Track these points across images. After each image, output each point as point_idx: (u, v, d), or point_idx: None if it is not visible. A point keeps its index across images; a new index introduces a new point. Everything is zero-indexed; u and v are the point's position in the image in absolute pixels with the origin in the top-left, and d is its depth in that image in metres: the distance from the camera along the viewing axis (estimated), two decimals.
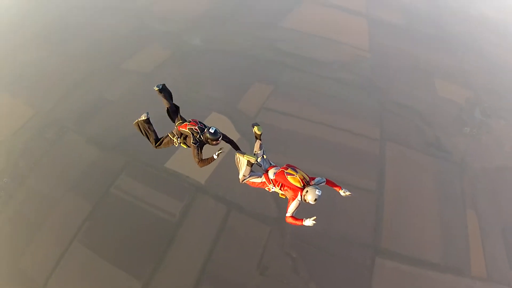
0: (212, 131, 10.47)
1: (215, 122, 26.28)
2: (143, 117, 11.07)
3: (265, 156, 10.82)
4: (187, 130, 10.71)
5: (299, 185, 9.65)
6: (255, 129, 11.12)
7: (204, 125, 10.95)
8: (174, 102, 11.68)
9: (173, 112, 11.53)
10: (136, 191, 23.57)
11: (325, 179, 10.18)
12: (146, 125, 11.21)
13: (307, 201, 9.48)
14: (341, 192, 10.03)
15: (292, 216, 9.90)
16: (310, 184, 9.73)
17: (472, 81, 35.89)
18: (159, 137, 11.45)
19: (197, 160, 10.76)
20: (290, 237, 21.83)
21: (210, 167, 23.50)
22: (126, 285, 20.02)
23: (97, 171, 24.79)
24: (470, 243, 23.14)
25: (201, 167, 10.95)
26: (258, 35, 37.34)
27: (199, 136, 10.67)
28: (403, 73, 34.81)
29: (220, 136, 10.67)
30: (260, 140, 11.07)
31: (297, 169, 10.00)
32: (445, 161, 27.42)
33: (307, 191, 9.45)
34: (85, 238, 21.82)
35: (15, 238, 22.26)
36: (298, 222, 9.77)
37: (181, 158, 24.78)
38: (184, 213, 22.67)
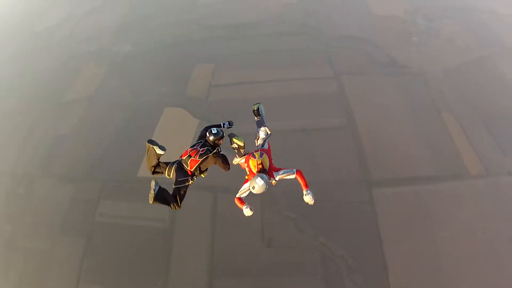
0: (215, 131, 10.07)
1: (171, 117, 26.73)
2: (153, 187, 10.04)
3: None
4: (200, 159, 9.97)
5: (254, 170, 9.53)
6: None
7: (199, 144, 10.25)
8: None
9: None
10: (119, 210, 22.83)
11: (294, 172, 9.76)
12: (162, 194, 10.16)
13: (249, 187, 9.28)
14: (304, 195, 9.72)
15: (238, 198, 10.07)
16: (267, 173, 9.48)
17: None
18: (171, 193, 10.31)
19: (228, 167, 10.44)
20: (283, 201, 21.21)
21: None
22: None
23: (78, 205, 23.97)
24: (457, 146, 22.84)
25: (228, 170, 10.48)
26: (182, 19, 36.48)
27: (209, 150, 10.04)
28: (334, 7, 34.35)
29: (222, 133, 10.21)
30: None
31: (266, 155, 9.80)
32: (405, 75, 27.12)
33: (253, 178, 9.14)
34: (89, 276, 21.00)
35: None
36: (240, 206, 9.93)
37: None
38: (173, 215, 21.87)
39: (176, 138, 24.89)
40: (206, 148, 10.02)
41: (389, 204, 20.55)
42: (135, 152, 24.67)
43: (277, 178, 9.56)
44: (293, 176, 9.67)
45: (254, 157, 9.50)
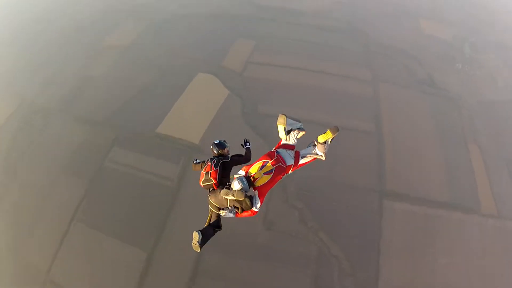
0: (217, 142, 10.17)
1: (203, 82, 26.54)
2: (196, 238, 9.26)
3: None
4: (216, 168, 9.58)
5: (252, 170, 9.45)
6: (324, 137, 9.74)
7: (207, 161, 9.93)
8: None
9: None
10: (130, 161, 22.54)
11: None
12: (204, 239, 9.51)
13: None
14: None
15: None
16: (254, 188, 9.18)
17: (457, 18, 34.46)
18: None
19: (249, 158, 10.34)
20: (293, 188, 20.69)
21: (203, 126, 23.57)
22: (131, 257, 19.08)
23: (89, 148, 23.80)
24: (476, 179, 22.10)
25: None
26: None
27: (220, 159, 9.84)
28: (384, 15, 33.56)
29: (225, 144, 10.22)
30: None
31: (270, 159, 9.50)
32: (440, 98, 26.28)
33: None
34: (84, 216, 20.90)
35: (16, 231, 21.41)
36: None
37: (172, 122, 24.06)
38: (182, 176, 21.57)
39: (203, 104, 24.98)
40: (215, 159, 9.82)
41: (396, 219, 20.03)
42: (158, 108, 24.79)
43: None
44: (252, 208, 9.19)
45: (262, 164, 9.34)
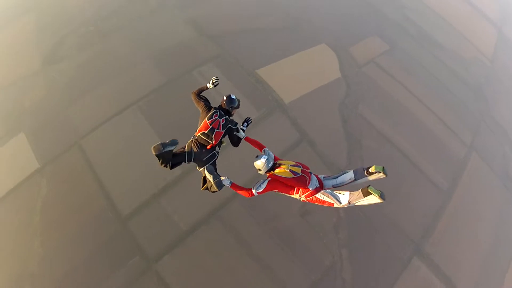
0: (233, 98, 9.51)
1: (323, 54, 25.29)
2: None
3: None
4: (223, 130, 9.11)
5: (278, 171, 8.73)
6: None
7: (216, 114, 9.24)
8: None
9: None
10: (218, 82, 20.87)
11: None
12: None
13: None
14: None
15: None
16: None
17: None
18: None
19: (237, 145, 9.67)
20: None
21: (300, 92, 22.35)
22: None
23: (186, 51, 23.04)
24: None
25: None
26: None
27: (229, 121, 9.26)
28: (511, 97, 31.00)
29: (238, 103, 9.63)
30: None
31: (304, 168, 8.93)
32: None
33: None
34: (146, 106, 20.20)
35: (77, 84, 21.16)
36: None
37: (275, 72, 23.03)
38: (256, 123, 19.93)
39: (312, 73, 23.95)
40: (225, 118, 9.10)
41: (415, 281, 18.41)
42: (270, 53, 24.23)
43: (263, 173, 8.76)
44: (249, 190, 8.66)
45: (296, 164, 8.77)
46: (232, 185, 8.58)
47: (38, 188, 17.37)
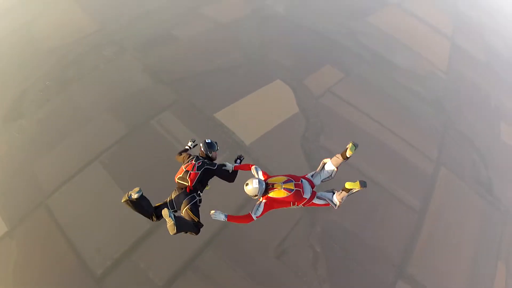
0: (209, 142, 9.76)
1: (278, 90, 25.39)
2: (168, 214, 7.88)
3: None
4: (198, 171, 9.09)
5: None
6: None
7: (192, 159, 9.52)
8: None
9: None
10: (176, 130, 21.45)
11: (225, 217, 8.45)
12: (179, 221, 8.20)
13: None
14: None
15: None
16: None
17: None
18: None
19: (232, 180, 9.77)
20: (320, 229, 19.07)
21: (259, 131, 22.19)
22: (134, 221, 16.38)
23: (144, 100, 23.04)
24: None
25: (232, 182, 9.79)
26: (341, 21, 35.02)
27: (206, 163, 9.33)
28: (472, 105, 31.71)
29: (216, 147, 9.86)
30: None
31: (295, 180, 8.95)
32: (491, 206, 24.16)
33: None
34: (109, 161, 19.82)
35: (38, 141, 20.70)
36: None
37: (233, 113, 22.92)
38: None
39: (269, 111, 23.96)
40: (201, 161, 9.27)
41: None
42: (225, 94, 24.08)
43: (259, 201, 8.60)
44: (250, 214, 8.46)
45: (287, 180, 8.77)
46: (228, 217, 8.32)
47: (9, 251, 16.92)
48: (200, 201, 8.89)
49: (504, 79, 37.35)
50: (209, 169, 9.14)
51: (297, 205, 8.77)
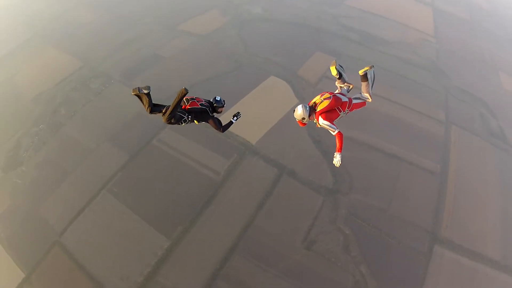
0: (218, 99, 10.44)
1: (274, 86, 24.98)
2: (145, 91, 9.93)
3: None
4: (200, 107, 10.23)
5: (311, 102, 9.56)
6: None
7: (205, 100, 10.58)
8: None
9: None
10: (180, 145, 20.93)
11: (335, 130, 8.91)
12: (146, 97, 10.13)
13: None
14: (334, 157, 8.90)
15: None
16: (315, 113, 9.31)
17: None
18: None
19: (220, 129, 10.42)
20: (345, 211, 18.30)
21: (264, 129, 21.64)
22: (152, 242, 17.10)
23: (141, 123, 22.46)
24: None
25: (223, 132, 10.71)
26: (321, 9, 35.10)
27: (209, 108, 10.32)
28: (467, 62, 31.55)
29: (224, 102, 10.53)
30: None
31: (331, 101, 9.22)
32: (509, 154, 23.80)
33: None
34: (116, 188, 19.02)
35: (42, 183, 19.88)
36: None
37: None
38: (230, 172, 19.55)
39: (269, 107, 23.54)
40: (208, 105, 10.33)
41: (443, 267, 17.44)
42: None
43: (320, 123, 9.05)
44: (333, 133, 8.90)
45: (321, 95, 9.36)
46: (338, 150, 8.78)
47: None
48: (185, 121, 10.11)
49: (492, 32, 37.28)
50: (206, 112, 10.14)
51: (343, 112, 9.37)
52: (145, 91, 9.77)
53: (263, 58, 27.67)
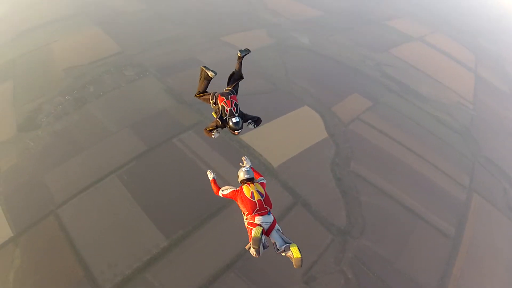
0: (235, 121, 9.01)
1: (306, 116, 24.80)
2: (210, 74, 9.65)
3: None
4: (221, 105, 9.34)
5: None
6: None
7: (236, 109, 9.42)
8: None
9: (235, 79, 10.13)
10: (199, 149, 20.50)
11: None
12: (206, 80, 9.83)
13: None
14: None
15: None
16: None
17: None
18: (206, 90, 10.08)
19: (208, 129, 9.18)
20: (351, 255, 17.57)
21: (288, 155, 21.17)
22: (149, 238, 16.55)
23: (166, 119, 22.35)
24: None
25: (205, 134, 9.28)
26: (366, 53, 35.45)
27: (225, 118, 9.18)
28: (500, 135, 31.43)
29: (240, 129, 9.06)
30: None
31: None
32: None
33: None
34: (127, 176, 18.57)
35: (52, 152, 19.61)
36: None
37: (261, 137, 22.10)
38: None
39: (297, 135, 23.21)
40: (226, 116, 9.22)
41: None
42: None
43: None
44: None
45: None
46: (213, 179, 8.76)
47: (11, 259, 15.39)
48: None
49: None
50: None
51: (245, 219, 7.93)
52: (210, 75, 9.51)
53: (300, 87, 27.54)
